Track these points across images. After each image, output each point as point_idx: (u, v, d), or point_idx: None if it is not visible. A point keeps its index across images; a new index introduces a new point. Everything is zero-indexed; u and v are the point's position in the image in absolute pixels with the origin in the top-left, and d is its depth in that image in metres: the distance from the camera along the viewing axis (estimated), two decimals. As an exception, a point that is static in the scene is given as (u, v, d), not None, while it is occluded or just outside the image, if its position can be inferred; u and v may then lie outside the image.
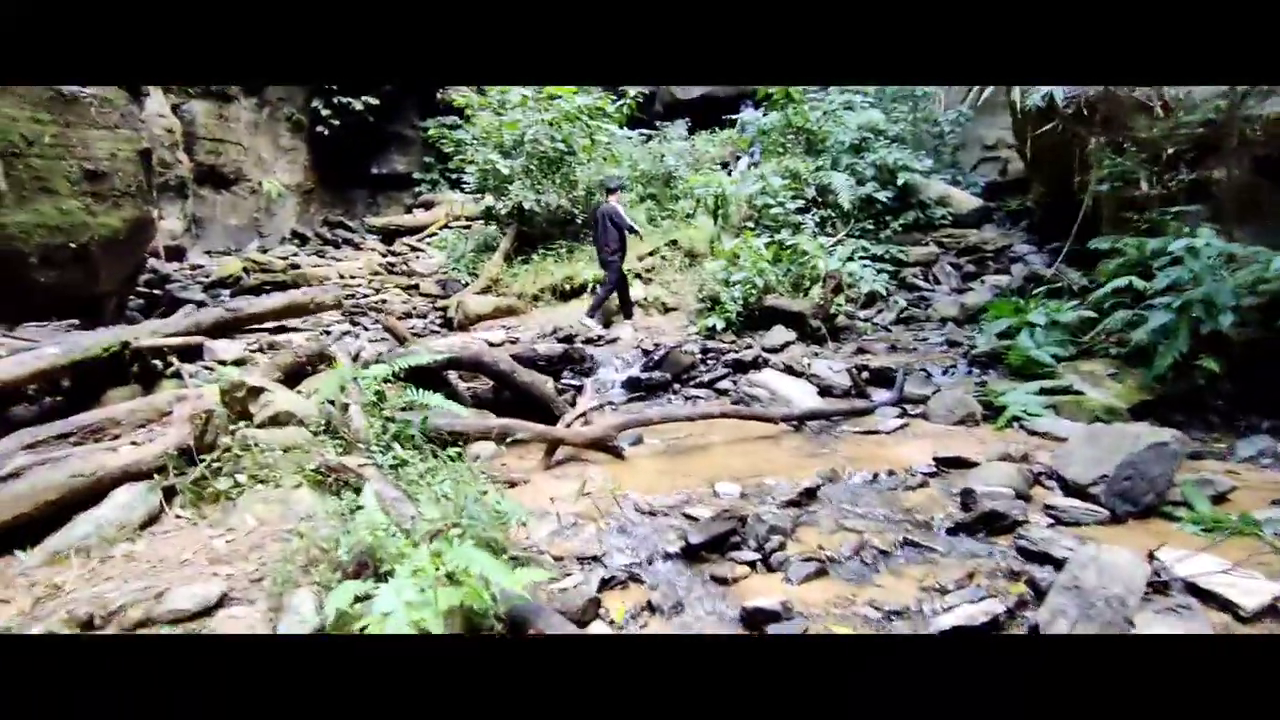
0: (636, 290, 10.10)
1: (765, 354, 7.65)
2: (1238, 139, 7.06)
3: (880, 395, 6.46)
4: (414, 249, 15.98)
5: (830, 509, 4.11)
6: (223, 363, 5.14)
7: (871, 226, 11.04)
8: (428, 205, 18.62)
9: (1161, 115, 7.79)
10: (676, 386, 7.34)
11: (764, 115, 12.62)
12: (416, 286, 11.90)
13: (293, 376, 4.41)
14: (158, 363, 4.63)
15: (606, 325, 9.11)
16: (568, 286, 9.75)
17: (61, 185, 8.20)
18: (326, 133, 19.53)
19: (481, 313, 9.37)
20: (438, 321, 9.69)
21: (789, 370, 7.06)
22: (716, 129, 18.60)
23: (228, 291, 12.11)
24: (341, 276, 12.78)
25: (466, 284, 10.94)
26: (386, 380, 4.28)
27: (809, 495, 4.23)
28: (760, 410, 5.68)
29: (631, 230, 9.42)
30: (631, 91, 12.64)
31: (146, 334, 4.74)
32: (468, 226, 16.75)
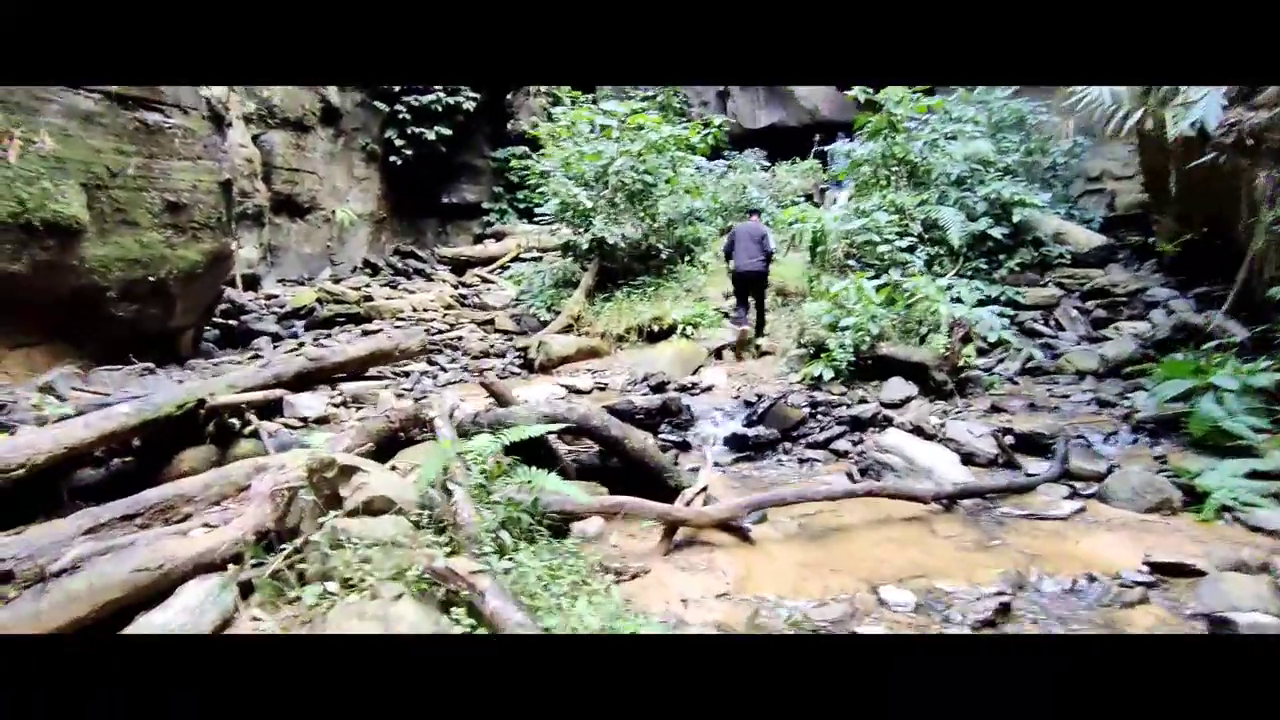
0: (725, 334, 9.40)
1: (885, 410, 6.83)
2: None
3: (1035, 467, 5.58)
4: (485, 280, 15.64)
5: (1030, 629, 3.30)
6: (305, 421, 4.62)
7: (985, 265, 10.12)
8: (499, 236, 18.36)
9: (1352, 146, 6.76)
10: (787, 446, 6.56)
11: (859, 144, 11.87)
12: (492, 322, 11.44)
13: (386, 445, 3.83)
14: (235, 421, 4.12)
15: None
16: (656, 328, 9.09)
17: (143, 218, 7.98)
18: (399, 162, 19.56)
19: (565, 355, 8.78)
20: (517, 362, 9.15)
21: (918, 432, 6.22)
22: (796, 159, 17.96)
23: (301, 323, 11.87)
24: (415, 309, 12.42)
25: (545, 321, 10.41)
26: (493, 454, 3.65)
27: (1003, 613, 3.41)
28: (907, 488, 4.87)
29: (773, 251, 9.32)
30: (717, 120, 12.06)
31: (223, 389, 4.24)
32: (539, 258, 16.39)
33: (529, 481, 3.51)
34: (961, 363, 7.16)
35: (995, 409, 6.85)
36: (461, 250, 17.70)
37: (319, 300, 12.79)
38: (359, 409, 5.16)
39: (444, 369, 8.61)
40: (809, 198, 15.90)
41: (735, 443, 6.59)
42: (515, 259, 16.55)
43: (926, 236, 9.72)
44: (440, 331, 10.92)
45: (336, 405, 5.16)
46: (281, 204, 16.49)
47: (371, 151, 19.54)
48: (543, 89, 23.78)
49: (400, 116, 19.47)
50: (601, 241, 10.34)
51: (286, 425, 4.40)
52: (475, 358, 9.45)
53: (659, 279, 10.83)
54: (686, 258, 11.53)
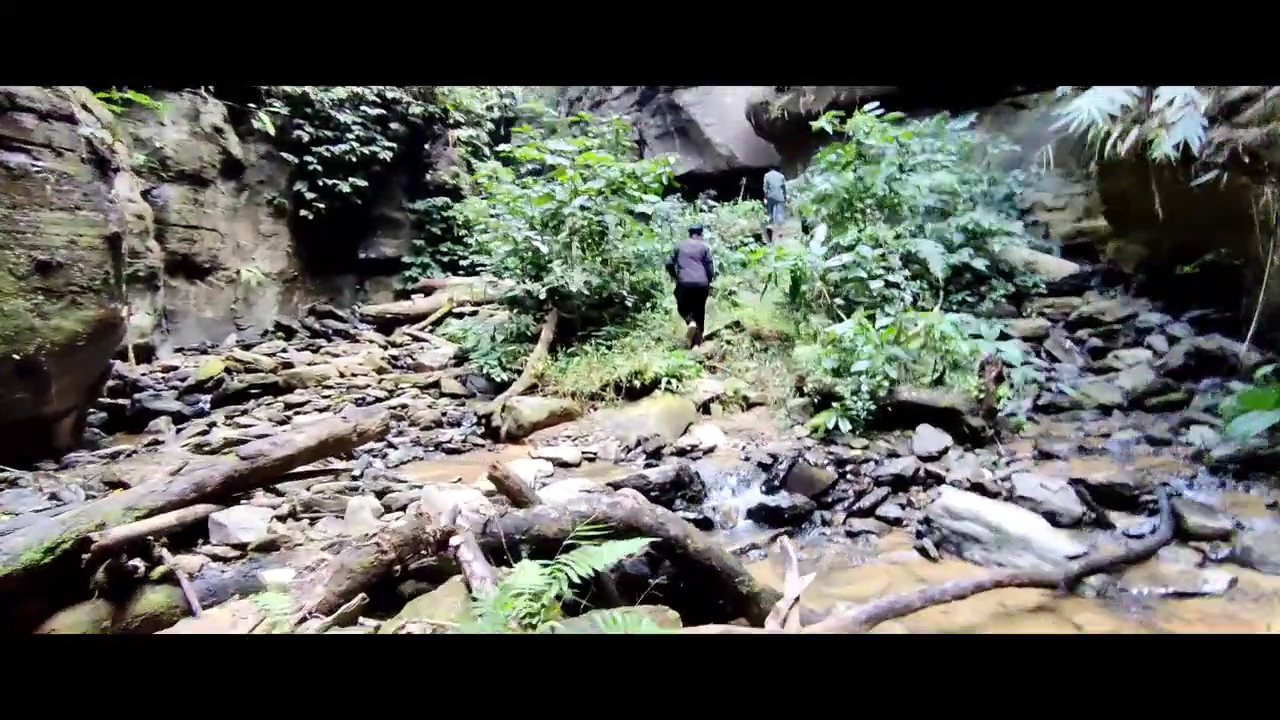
0: (712, 385, 8.44)
1: (924, 465, 5.97)
2: None
3: (1125, 524, 4.79)
4: (417, 339, 14.23)
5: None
6: (242, 549, 3.29)
7: (972, 299, 9.61)
8: (427, 291, 17.02)
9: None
10: (825, 515, 5.58)
11: (820, 178, 11.34)
12: (436, 385, 10.08)
13: (377, 585, 2.59)
14: (138, 562, 2.79)
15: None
16: (637, 383, 8.02)
17: (4, 282, 6.42)
18: (310, 217, 18.02)
19: (536, 420, 7.57)
20: (478, 432, 7.86)
21: (979, 490, 5.37)
22: (737, 200, 17.55)
23: (208, 397, 10.18)
24: (342, 374, 10.92)
25: (499, 382, 9.17)
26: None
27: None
28: (1035, 572, 3.94)
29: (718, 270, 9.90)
30: (673, 159, 11.29)
31: (118, 514, 2.90)
32: (474, 313, 15.13)
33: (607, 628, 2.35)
34: (998, 405, 6.41)
35: (1044, 455, 6.10)
36: (387, 307, 16.21)
37: (228, 370, 11.10)
38: (315, 521, 3.82)
39: (392, 445, 7.23)
40: (757, 238, 15.40)
41: (764, 516, 5.56)
42: (448, 314, 15.23)
43: (906, 272, 9.11)
44: (378, 399, 9.49)
45: (283, 519, 3.80)
46: (178, 265, 14.69)
47: (279, 206, 17.91)
48: (460, 139, 22.84)
49: (310, 168, 18.00)
50: (560, 290, 9.26)
51: (215, 558, 3.08)
52: (426, 428, 8.11)
53: (622, 328, 9.81)
54: (648, 303, 10.59)
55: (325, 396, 9.78)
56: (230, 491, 3.49)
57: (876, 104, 9.90)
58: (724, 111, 24.00)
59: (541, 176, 11.37)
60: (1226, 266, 9.07)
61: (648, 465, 6.30)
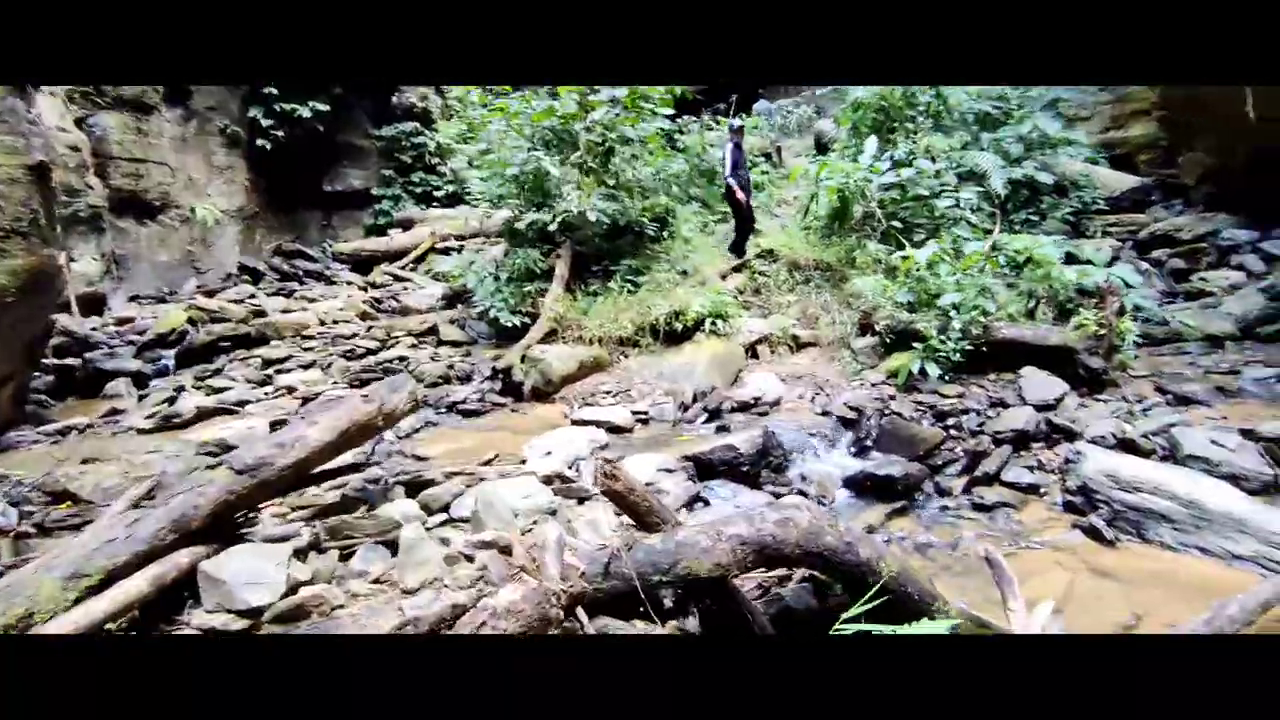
0: (756, 324, 7.40)
1: (1045, 416, 5.05)
2: None
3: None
4: (399, 279, 12.91)
5: None
6: (256, 615, 2.23)
7: (1035, 217, 8.59)
8: (406, 225, 15.57)
9: None
10: (940, 484, 4.65)
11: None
12: (433, 332, 8.90)
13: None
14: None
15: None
16: (678, 326, 6.94)
17: (-104, 225, 5.11)
18: (269, 146, 16.23)
19: (567, 373, 6.48)
20: (495, 388, 6.75)
21: (1128, 448, 4.47)
22: (744, 115, 16.14)
23: (171, 353, 8.90)
24: (323, 321, 9.68)
25: (507, 327, 8.02)
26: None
27: None
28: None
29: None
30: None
31: (54, 590, 1.83)
32: (459, 248, 13.80)
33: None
34: (1120, 343, 5.47)
35: (1180, 399, 5.20)
36: (362, 244, 14.78)
37: (191, 321, 9.77)
38: (349, 555, 2.71)
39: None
40: (767, 157, 14.15)
41: (869, 487, 4.60)
42: (431, 250, 13.88)
43: (970, 189, 8.03)
44: (370, 351, 8.31)
45: (303, 554, 2.67)
46: (124, 203, 13.04)
47: (233, 135, 16.09)
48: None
49: (265, 91, 16.17)
50: (573, 220, 8.04)
51: (213, 634, 2.03)
52: (432, 385, 6.99)
53: (643, 261, 8.65)
54: (665, 231, 9.40)
55: (307, 349, 8.57)
56: (224, 521, 2.43)
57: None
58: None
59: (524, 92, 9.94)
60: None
61: (716, 427, 5.30)
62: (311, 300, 11.12)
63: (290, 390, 6.96)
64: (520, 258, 8.53)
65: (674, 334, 6.93)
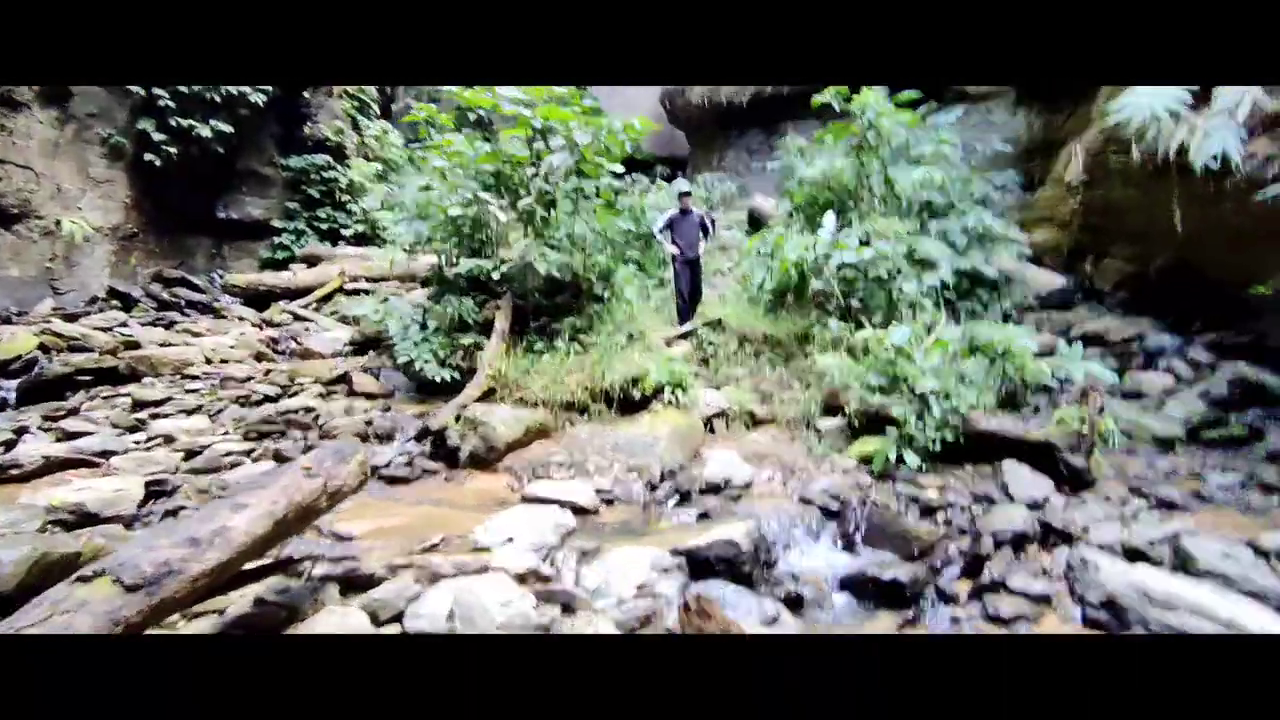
0: (713, 397, 6.94)
1: (1034, 514, 4.76)
2: None
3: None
4: (300, 318, 11.72)
5: None
6: None
7: (979, 308, 8.67)
8: (310, 261, 14.37)
9: None
10: (942, 588, 4.20)
11: (801, 163, 10.11)
12: (344, 380, 7.90)
13: None
14: None
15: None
16: (635, 394, 6.34)
17: None
18: (158, 163, 14.77)
19: (512, 439, 5.72)
20: (425, 452, 5.88)
21: (1137, 557, 4.21)
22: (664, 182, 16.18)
23: (13, 384, 7.48)
24: (210, 360, 8.46)
25: (440, 381, 7.19)
26: None
27: None
28: None
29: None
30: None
31: None
32: (369, 291, 12.78)
33: None
34: (1103, 441, 5.33)
35: (1160, 502, 5.06)
36: (260, 278, 13.43)
37: (44, 347, 8.34)
38: None
39: (282, 454, 5.14)
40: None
41: (868, 590, 4.10)
42: (339, 291, 12.77)
43: (928, 275, 8.02)
44: (269, 398, 7.22)
45: None
46: (-27, 206, 11.36)
47: (116, 146, 14.57)
48: (347, 91, 20.07)
49: (160, 103, 14.79)
50: (516, 271, 7.39)
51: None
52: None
53: (585, 320, 8.06)
54: (609, 291, 8.89)
55: (191, 390, 7.38)
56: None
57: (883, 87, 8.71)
58: (627, 98, 22.65)
59: (468, 131, 9.33)
60: (1223, 285, 8.66)
61: (698, 515, 4.68)
62: (197, 334, 9.81)
63: (168, 440, 5.83)
64: (452, 306, 7.75)
65: (629, 402, 6.33)
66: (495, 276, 7.41)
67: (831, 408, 6.39)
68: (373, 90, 20.69)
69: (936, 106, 10.62)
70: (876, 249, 7.38)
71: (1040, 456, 5.37)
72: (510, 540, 3.79)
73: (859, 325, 7.36)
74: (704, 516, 4.60)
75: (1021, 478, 5.19)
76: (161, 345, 8.84)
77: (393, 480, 5.30)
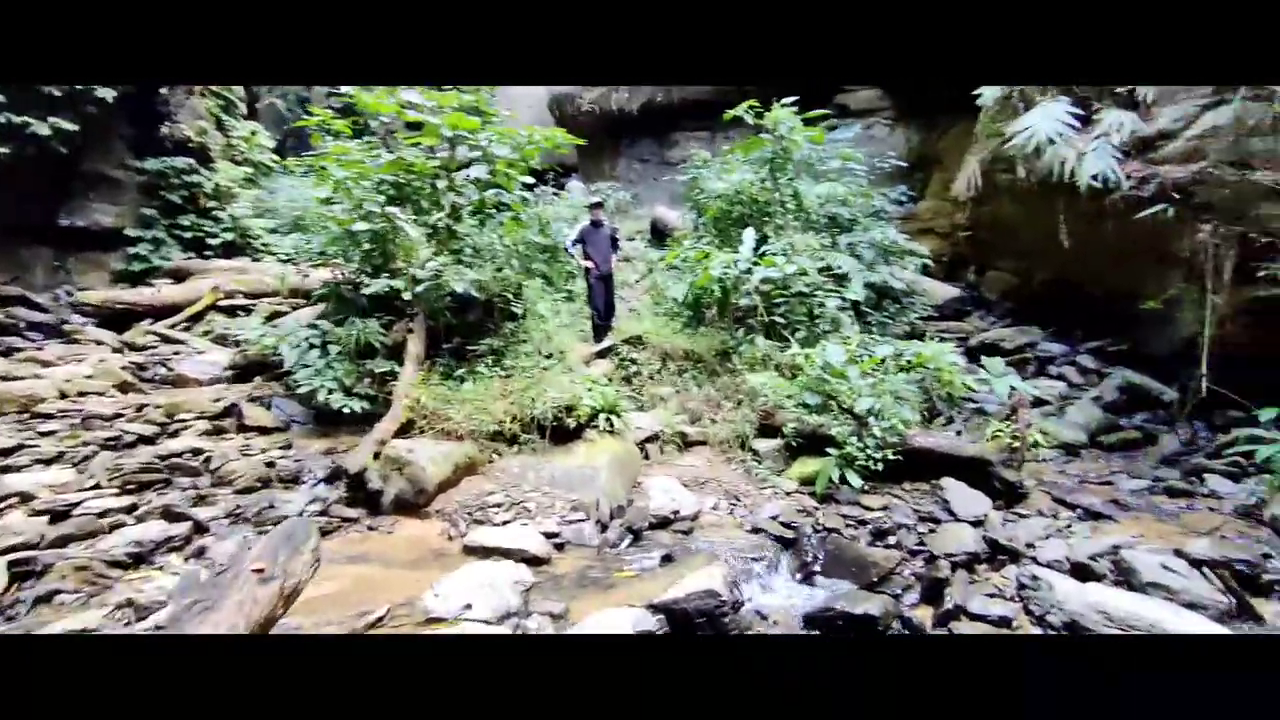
0: (646, 420, 6.73)
1: (979, 532, 4.85)
2: None
3: (1276, 610, 4.01)
4: (168, 340, 10.54)
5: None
6: None
7: (887, 320, 8.91)
8: (178, 276, 13.04)
9: (1302, 203, 6.67)
10: (913, 621, 4.16)
11: (713, 176, 10.09)
12: (231, 413, 7.08)
13: None
14: None
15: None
16: (570, 422, 6.01)
17: None
18: (-13, 161, 12.93)
19: (442, 478, 5.25)
20: (341, 497, 5.30)
21: (1083, 573, 4.34)
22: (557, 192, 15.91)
23: None
24: (65, 395, 7.39)
25: (347, 412, 6.58)
26: None
27: None
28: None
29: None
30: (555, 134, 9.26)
31: None
32: (247, 309, 11.71)
33: None
34: (1033, 455, 5.51)
35: (1090, 514, 5.28)
36: (117, 295, 12.00)
37: None
38: None
39: (203, 529, 4.48)
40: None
41: (837, 627, 4.00)
42: (212, 308, 11.61)
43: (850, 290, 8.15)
44: (144, 439, 6.33)
45: None
46: None
47: (-67, 141, 12.64)
48: (211, 89, 18.48)
49: (-8, 97, 13.00)
50: (428, 290, 6.88)
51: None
52: (247, 491, 5.36)
53: (501, 341, 7.64)
54: (522, 308, 8.50)
55: (45, 433, 6.38)
56: None
57: (794, 99, 8.80)
58: (511, 102, 22.17)
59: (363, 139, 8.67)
60: (1102, 297, 9.35)
61: (661, 557, 4.42)
62: (45, 363, 8.57)
63: (25, 499, 4.95)
64: (356, 329, 7.13)
65: (562, 431, 5.99)
66: (407, 296, 6.86)
67: (767, 428, 6.32)
68: (239, 88, 19.11)
69: (836, 124, 10.93)
70: (798, 264, 7.40)
71: (974, 472, 5.50)
72: (469, 607, 3.39)
73: (783, 341, 7.37)
74: (667, 559, 4.35)
75: (961, 495, 5.29)
76: (1, 379, 7.64)
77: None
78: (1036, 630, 3.98)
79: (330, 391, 6.70)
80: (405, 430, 6.02)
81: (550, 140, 7.50)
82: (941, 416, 6.26)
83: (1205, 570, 4.21)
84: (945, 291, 10.59)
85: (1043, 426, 7.02)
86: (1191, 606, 3.93)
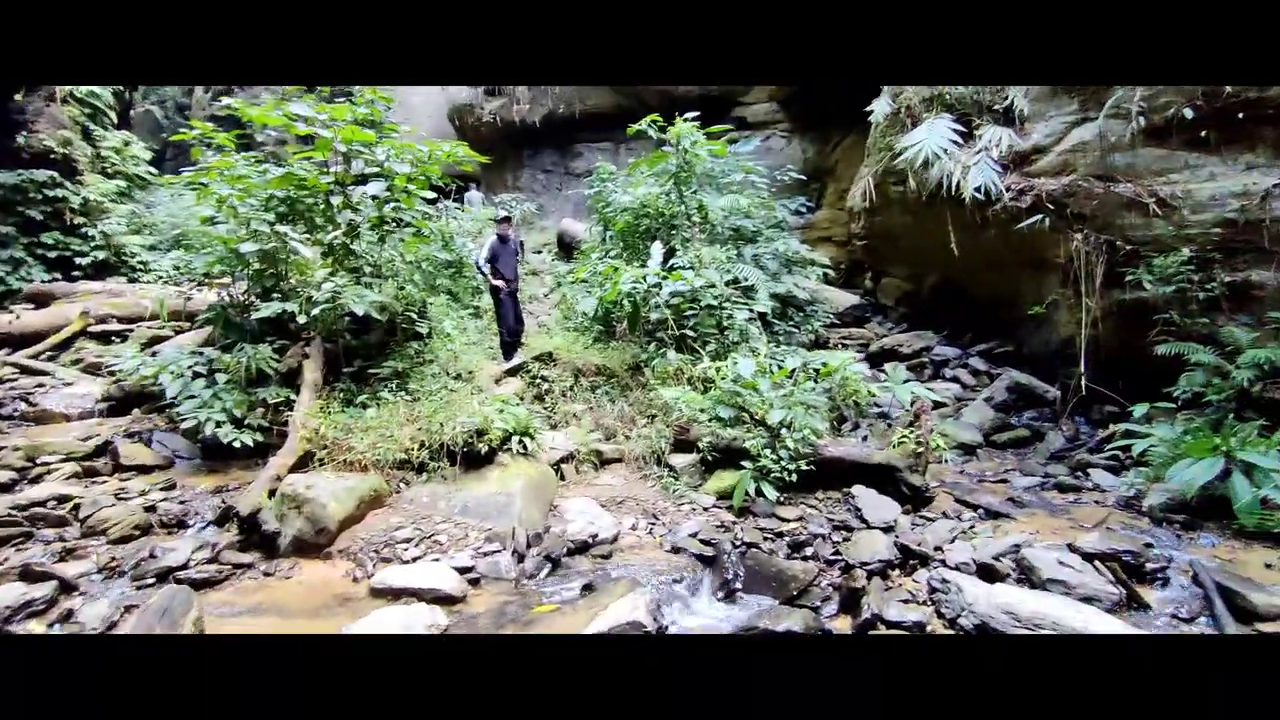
0: (559, 439, 6.61)
1: (892, 538, 4.98)
2: (1271, 240, 6.68)
3: (1159, 599, 4.29)
4: (30, 371, 9.60)
5: None
6: None
7: (793, 329, 9.11)
8: (41, 300, 11.92)
9: (1158, 212, 7.26)
10: (830, 628, 4.22)
11: (620, 190, 10.07)
12: (106, 451, 6.49)
13: None
14: None
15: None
16: (480, 447, 5.79)
17: None
18: None
19: (345, 515, 4.95)
20: (234, 541, 4.91)
21: (989, 575, 4.52)
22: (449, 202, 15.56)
23: None
24: (-97, 440, 6.57)
25: (237, 445, 6.14)
26: None
27: None
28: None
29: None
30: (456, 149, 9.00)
31: None
32: (123, 335, 10.83)
33: None
34: (937, 459, 5.72)
35: (990, 514, 5.52)
36: (-36, 323, 10.83)
37: None
38: None
39: (71, 588, 4.04)
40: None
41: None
42: (82, 334, 10.67)
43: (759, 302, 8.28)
44: (2, 486, 5.69)
45: None
46: None
47: None
48: (74, 95, 17.10)
49: None
50: (325, 313, 6.52)
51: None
52: (124, 540, 4.89)
53: (405, 363, 7.34)
54: (427, 328, 8.22)
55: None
56: None
57: (696, 114, 8.88)
58: (410, 112, 21.65)
59: (252, 151, 8.17)
60: (987, 301, 9.90)
61: (582, 587, 4.29)
62: (-123, 402, 7.63)
63: None
64: (246, 355, 6.68)
65: (473, 456, 5.78)
66: (302, 320, 6.48)
67: (682, 443, 6.32)
68: (107, 95, 17.71)
69: (737, 137, 11.14)
70: (705, 277, 7.46)
71: (883, 478, 5.66)
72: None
73: (694, 354, 7.41)
74: (588, 588, 4.24)
75: (872, 502, 5.43)
76: None
77: (198, 584, 4.34)
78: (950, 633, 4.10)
79: (219, 424, 6.23)
80: (303, 464, 5.66)
81: (451, 154, 7.27)
82: (848, 423, 6.42)
83: (1096, 563, 4.47)
84: (845, 299, 10.96)
85: (942, 429, 7.34)
86: (1088, 600, 4.16)
